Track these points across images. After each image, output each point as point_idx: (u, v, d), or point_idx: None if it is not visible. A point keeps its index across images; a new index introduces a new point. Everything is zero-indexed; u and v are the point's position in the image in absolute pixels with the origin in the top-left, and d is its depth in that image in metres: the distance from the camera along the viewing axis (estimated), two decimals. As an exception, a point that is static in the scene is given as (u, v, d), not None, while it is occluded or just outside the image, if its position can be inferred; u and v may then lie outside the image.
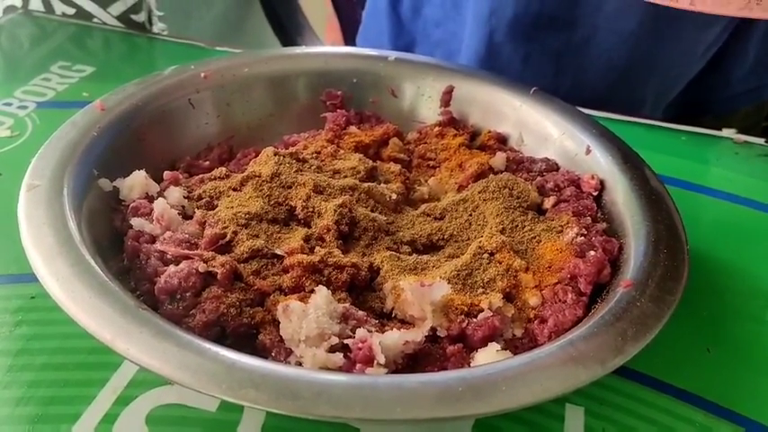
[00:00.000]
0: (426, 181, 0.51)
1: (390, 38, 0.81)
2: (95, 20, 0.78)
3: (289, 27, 1.16)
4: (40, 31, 0.75)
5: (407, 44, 0.81)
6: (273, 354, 0.36)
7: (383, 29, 0.82)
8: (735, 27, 0.70)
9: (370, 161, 0.49)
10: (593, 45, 0.69)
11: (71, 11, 0.78)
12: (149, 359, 0.31)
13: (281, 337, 0.36)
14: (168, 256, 0.39)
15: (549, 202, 0.47)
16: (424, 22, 0.79)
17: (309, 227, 0.43)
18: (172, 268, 0.38)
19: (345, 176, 0.47)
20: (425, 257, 0.43)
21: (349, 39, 1.23)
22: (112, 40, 0.76)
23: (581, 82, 0.72)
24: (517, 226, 0.45)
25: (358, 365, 0.34)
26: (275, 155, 0.47)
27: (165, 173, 0.47)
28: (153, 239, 0.41)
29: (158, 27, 0.81)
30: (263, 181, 0.45)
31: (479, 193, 0.47)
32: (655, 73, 0.72)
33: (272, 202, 0.44)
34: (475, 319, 0.38)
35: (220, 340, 0.37)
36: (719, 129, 0.65)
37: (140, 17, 0.79)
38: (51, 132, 0.45)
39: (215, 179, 0.46)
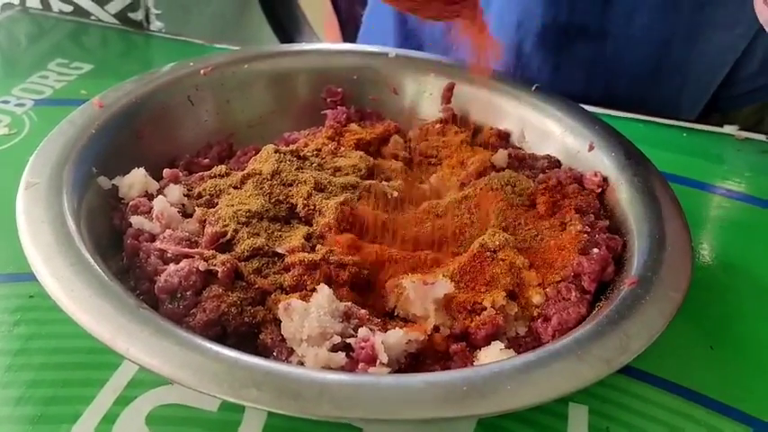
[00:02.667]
0: (428, 178, 0.50)
1: (396, 41, 0.80)
2: (93, 17, 0.78)
3: (287, 24, 1.15)
4: (38, 29, 0.75)
5: (415, 48, 0.79)
6: (275, 353, 0.36)
7: (388, 31, 0.81)
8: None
9: (371, 159, 0.49)
10: (625, 54, 0.69)
11: (68, 8, 0.78)
12: (149, 358, 0.30)
13: (282, 336, 0.36)
14: (168, 255, 0.39)
15: (541, 202, 0.46)
16: (432, 27, 0.78)
17: (310, 225, 0.43)
18: (172, 267, 0.38)
19: (346, 174, 0.47)
20: (427, 255, 0.42)
21: (348, 36, 1.22)
22: (110, 37, 0.75)
23: (613, 91, 0.71)
24: (520, 223, 0.44)
25: (361, 365, 0.34)
26: (276, 152, 0.46)
27: (165, 171, 0.46)
28: (153, 238, 0.41)
29: (156, 25, 0.81)
30: (263, 179, 0.45)
31: (481, 190, 0.46)
32: (689, 79, 0.71)
33: (273, 200, 0.44)
34: (478, 317, 0.38)
35: (221, 340, 0.36)
36: (722, 126, 0.65)
37: (138, 15, 0.79)
38: (49, 130, 0.44)
39: (215, 177, 0.46)
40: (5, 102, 0.61)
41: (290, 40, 1.15)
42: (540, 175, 0.48)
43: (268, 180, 0.44)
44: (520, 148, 0.53)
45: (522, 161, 0.50)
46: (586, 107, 0.55)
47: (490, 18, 0.71)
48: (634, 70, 0.70)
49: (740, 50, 0.70)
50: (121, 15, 0.78)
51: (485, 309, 0.38)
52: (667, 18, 0.65)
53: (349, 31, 1.23)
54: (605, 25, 0.67)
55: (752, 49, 0.71)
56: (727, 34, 0.64)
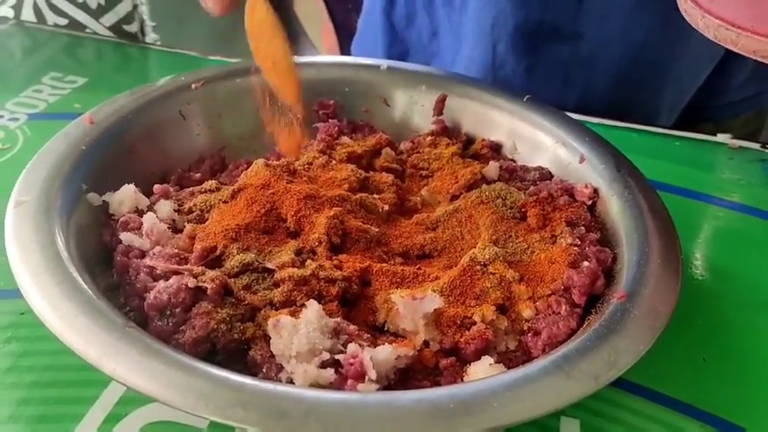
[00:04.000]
0: (419, 191, 0.50)
1: (384, 47, 0.81)
2: (87, 30, 0.78)
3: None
4: (32, 42, 0.75)
5: (401, 54, 0.80)
6: (264, 370, 0.36)
7: (377, 37, 0.81)
8: None
9: (363, 172, 0.49)
10: (601, 56, 0.69)
11: (63, 21, 0.78)
12: (136, 378, 0.30)
13: (271, 352, 0.36)
14: (158, 272, 0.39)
15: (532, 215, 0.46)
16: (419, 32, 0.78)
17: (301, 239, 0.43)
18: (161, 284, 0.38)
19: (338, 187, 0.47)
20: (418, 269, 0.42)
21: (344, 45, 1.23)
22: (105, 50, 0.75)
23: (591, 94, 0.71)
24: (510, 236, 0.44)
25: (349, 381, 0.34)
26: (266, 166, 0.46)
27: (155, 186, 0.46)
28: (142, 254, 0.41)
29: (151, 37, 0.81)
30: (253, 193, 0.44)
31: (472, 203, 0.46)
32: (667, 82, 0.71)
33: (263, 215, 0.44)
34: (468, 332, 0.38)
35: (211, 356, 0.36)
36: (716, 135, 0.65)
37: (133, 27, 0.79)
38: (42, 144, 0.44)
39: (205, 192, 0.46)
40: (-1, 116, 0.61)
41: (287, 50, 1.15)
42: (531, 188, 0.48)
43: (258, 194, 0.44)
44: (512, 160, 0.53)
45: (513, 173, 0.50)
46: (575, 116, 0.55)
47: (467, 21, 0.71)
48: (610, 72, 0.69)
49: (719, 55, 0.70)
50: (116, 28, 0.78)
51: (474, 323, 0.38)
52: (642, 19, 0.65)
53: (346, 39, 1.23)
54: (579, 26, 0.67)
55: (743, 57, 0.71)
56: (704, 37, 0.64)
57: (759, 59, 0.42)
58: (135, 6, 0.79)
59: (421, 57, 0.79)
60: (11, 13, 0.78)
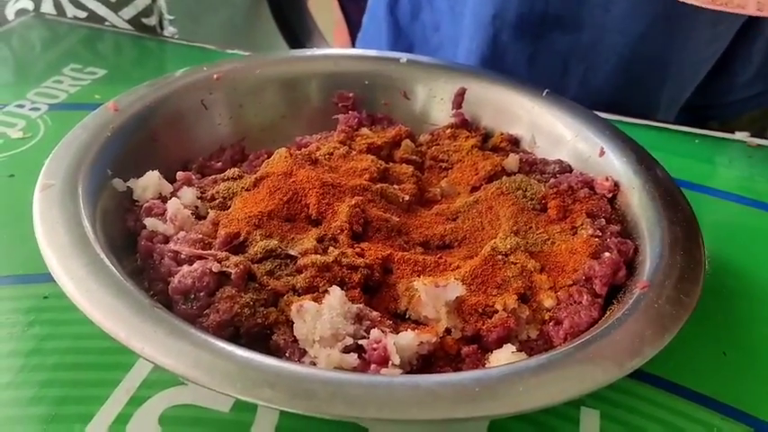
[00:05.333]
0: (439, 183, 0.50)
1: (389, 42, 0.81)
2: (107, 23, 0.79)
3: (297, 30, 1.16)
4: (52, 34, 0.76)
5: (406, 49, 0.80)
6: (287, 354, 0.36)
7: (381, 33, 0.82)
8: (740, 27, 0.69)
9: (383, 162, 0.49)
10: (602, 47, 0.68)
11: (83, 14, 0.79)
12: (164, 357, 0.31)
13: (294, 337, 0.36)
14: (182, 256, 0.39)
15: (552, 206, 0.46)
16: (423, 27, 0.79)
17: (322, 227, 0.43)
18: (185, 268, 0.38)
19: (358, 177, 0.47)
20: (439, 258, 0.42)
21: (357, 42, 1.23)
22: (124, 43, 0.76)
23: (590, 85, 0.71)
24: (531, 227, 0.44)
25: (373, 366, 0.34)
26: (288, 155, 0.47)
27: (179, 173, 0.47)
28: (166, 239, 0.41)
29: (169, 31, 0.82)
30: (276, 181, 0.45)
31: (492, 194, 0.46)
32: (667, 76, 0.71)
33: (286, 203, 0.44)
34: (489, 320, 0.38)
35: (234, 340, 0.36)
36: (731, 132, 0.65)
37: (151, 21, 0.80)
38: (63, 134, 0.45)
39: (228, 180, 0.46)
40: (20, 106, 0.62)
41: (301, 46, 1.16)
42: (551, 180, 0.48)
43: (281, 183, 0.45)
44: (531, 153, 0.53)
45: (533, 166, 0.51)
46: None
47: (467, 13, 0.71)
48: (610, 63, 0.69)
49: (720, 51, 0.70)
50: (135, 21, 0.79)
51: (496, 312, 0.38)
52: (643, 10, 0.65)
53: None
54: (582, 15, 0.67)
55: (748, 56, 0.71)
56: (708, 31, 0.64)
57: (753, 14, 0.42)
58: (153, 0, 0.80)
59: (424, 51, 0.79)
60: (30, 6, 0.79)
